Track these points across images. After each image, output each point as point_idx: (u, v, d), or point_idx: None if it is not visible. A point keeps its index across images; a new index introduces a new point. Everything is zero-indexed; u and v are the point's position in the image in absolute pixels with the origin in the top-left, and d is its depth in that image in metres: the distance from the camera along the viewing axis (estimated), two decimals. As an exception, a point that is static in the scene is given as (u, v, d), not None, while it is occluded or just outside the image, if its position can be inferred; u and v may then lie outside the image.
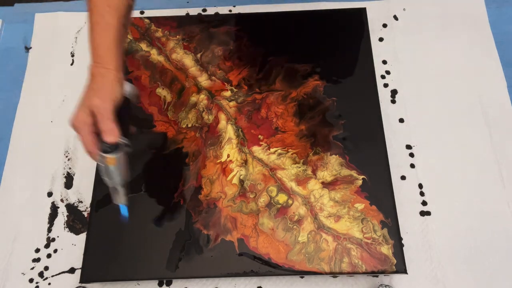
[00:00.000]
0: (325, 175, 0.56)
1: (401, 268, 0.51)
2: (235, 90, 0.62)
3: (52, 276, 0.56)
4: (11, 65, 0.69)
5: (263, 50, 0.64)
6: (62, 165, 0.62)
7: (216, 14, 0.70)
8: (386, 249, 0.52)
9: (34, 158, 0.62)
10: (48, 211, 0.59)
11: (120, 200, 0.47)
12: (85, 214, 0.59)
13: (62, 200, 0.60)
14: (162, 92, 0.62)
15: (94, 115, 0.43)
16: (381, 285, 0.53)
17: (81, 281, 0.52)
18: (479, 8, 0.70)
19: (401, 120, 0.63)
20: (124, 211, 0.49)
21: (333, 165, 0.57)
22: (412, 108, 0.63)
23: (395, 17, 0.70)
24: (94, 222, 0.55)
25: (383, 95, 0.64)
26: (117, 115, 0.43)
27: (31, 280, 0.55)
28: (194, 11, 0.72)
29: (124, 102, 0.45)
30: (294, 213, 0.54)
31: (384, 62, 0.67)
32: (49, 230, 0.58)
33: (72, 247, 0.57)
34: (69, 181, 0.61)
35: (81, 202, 0.59)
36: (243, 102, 0.61)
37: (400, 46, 0.68)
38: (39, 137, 0.64)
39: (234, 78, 0.63)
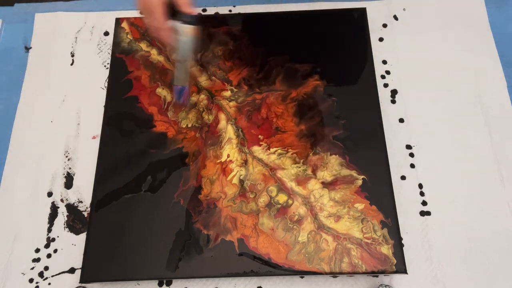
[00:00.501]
0: (325, 175, 0.56)
1: (401, 268, 0.51)
2: (235, 90, 0.62)
3: (52, 276, 0.56)
4: (11, 65, 0.69)
5: (263, 50, 0.64)
6: (62, 165, 0.62)
7: (216, 14, 0.70)
8: (386, 249, 0.52)
9: (34, 158, 0.62)
10: (48, 211, 0.59)
11: (183, 79, 0.52)
12: (85, 214, 0.59)
13: (62, 200, 0.60)
14: (162, 92, 0.62)
15: None
16: (381, 285, 0.53)
17: (81, 281, 0.52)
18: (479, 8, 0.70)
19: (401, 120, 0.63)
20: (179, 95, 0.54)
21: (333, 165, 0.57)
22: (412, 108, 0.63)
23: (395, 17, 0.70)
24: (94, 222, 0.55)
25: (383, 95, 0.64)
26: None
27: (31, 280, 0.56)
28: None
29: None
30: (294, 213, 0.54)
31: (384, 62, 0.67)
32: (49, 230, 0.58)
33: (72, 247, 0.57)
34: (69, 181, 0.61)
35: (81, 202, 0.59)
36: (243, 102, 0.61)
37: (400, 46, 0.68)
38: (39, 137, 0.64)
39: (234, 78, 0.63)
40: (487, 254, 0.55)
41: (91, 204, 0.56)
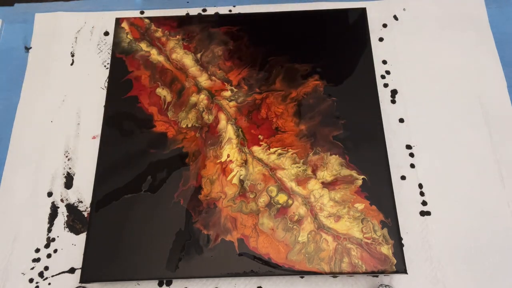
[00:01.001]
0: (325, 175, 0.56)
1: (401, 268, 0.51)
2: (235, 90, 0.62)
3: (52, 276, 0.56)
4: (11, 65, 0.69)
5: (263, 50, 0.64)
6: (62, 165, 0.62)
7: (216, 14, 0.70)
8: (386, 249, 0.52)
9: (34, 158, 0.62)
10: (48, 211, 0.59)
11: None
12: (85, 214, 0.59)
13: (62, 200, 0.60)
14: (162, 92, 0.62)
15: None
16: (381, 285, 0.53)
17: (81, 281, 0.52)
18: (479, 8, 0.70)
19: (401, 120, 0.63)
20: None
21: (333, 165, 0.57)
22: (412, 108, 0.63)
23: (395, 17, 0.70)
24: (94, 222, 0.55)
25: (383, 95, 0.64)
26: None
27: (31, 280, 0.56)
28: (194, 11, 0.72)
29: None
30: (294, 213, 0.54)
31: (384, 62, 0.67)
32: (49, 230, 0.58)
33: (72, 247, 0.57)
34: (69, 181, 0.61)
35: (81, 202, 0.59)
36: (243, 102, 0.61)
37: (400, 46, 0.68)
38: (39, 137, 0.64)
39: (234, 78, 0.63)
40: (487, 254, 0.55)
41: (91, 204, 0.56)
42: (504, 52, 0.67)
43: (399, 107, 0.64)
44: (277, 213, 0.54)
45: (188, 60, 0.65)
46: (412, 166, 0.60)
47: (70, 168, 0.62)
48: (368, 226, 0.53)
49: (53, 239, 0.58)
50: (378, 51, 0.67)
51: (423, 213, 0.57)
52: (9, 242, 0.58)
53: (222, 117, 0.60)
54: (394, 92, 0.65)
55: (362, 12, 0.66)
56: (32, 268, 0.56)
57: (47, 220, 0.59)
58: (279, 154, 0.58)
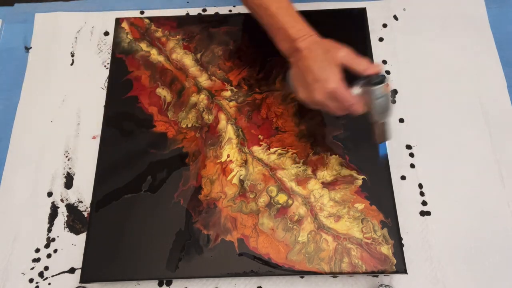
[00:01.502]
0: (325, 175, 0.56)
1: (401, 268, 0.51)
2: (235, 90, 0.62)
3: (52, 276, 0.56)
4: (11, 65, 0.69)
5: (263, 50, 0.64)
6: (62, 165, 0.62)
7: (216, 14, 0.70)
8: (386, 249, 0.52)
9: (34, 158, 0.62)
10: (48, 211, 0.59)
11: (386, 135, 0.50)
12: (85, 214, 0.59)
13: (62, 200, 0.60)
14: (162, 92, 0.62)
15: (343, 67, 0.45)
16: (381, 285, 0.53)
17: (81, 281, 0.52)
18: (479, 8, 0.70)
19: (401, 120, 0.63)
20: (384, 149, 0.54)
21: (333, 165, 0.57)
22: (412, 108, 0.63)
23: (395, 17, 0.70)
24: (94, 222, 0.55)
25: (383, 95, 0.64)
26: None
27: (31, 280, 0.55)
28: (194, 11, 0.72)
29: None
30: (294, 213, 0.54)
31: (384, 62, 0.67)
32: (49, 230, 0.58)
33: (72, 247, 0.57)
34: (69, 181, 0.61)
35: (81, 202, 0.59)
36: (243, 102, 0.61)
37: (400, 46, 0.68)
38: (39, 137, 0.64)
39: (234, 78, 0.63)
40: (487, 254, 0.55)
41: (91, 204, 0.56)
42: (504, 52, 0.67)
43: (399, 107, 0.64)
44: (277, 213, 0.54)
45: (188, 60, 0.65)
46: (412, 166, 0.60)
47: (70, 168, 0.62)
48: (368, 226, 0.53)
49: (53, 239, 0.58)
50: (378, 51, 0.67)
51: (423, 213, 0.57)
52: (9, 242, 0.58)
53: (222, 117, 0.60)
54: (394, 92, 0.65)
55: (362, 12, 0.66)
56: (32, 268, 0.56)
57: (47, 220, 0.59)
58: (279, 154, 0.57)
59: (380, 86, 0.45)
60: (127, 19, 0.68)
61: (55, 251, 0.57)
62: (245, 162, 0.57)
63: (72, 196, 0.60)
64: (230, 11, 0.72)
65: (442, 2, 0.71)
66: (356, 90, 0.47)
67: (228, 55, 0.64)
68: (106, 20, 0.72)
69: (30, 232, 0.58)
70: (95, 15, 0.72)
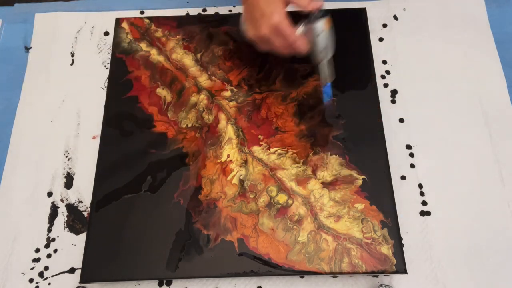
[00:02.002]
0: (325, 175, 0.56)
1: (401, 268, 0.51)
2: (235, 90, 0.62)
3: (52, 276, 0.56)
4: (11, 65, 0.69)
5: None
6: (62, 165, 0.62)
7: (216, 14, 0.70)
8: (386, 249, 0.52)
9: (34, 158, 0.62)
10: (48, 211, 0.59)
11: (329, 75, 0.50)
12: (85, 214, 0.59)
13: (62, 200, 0.60)
14: (162, 92, 0.62)
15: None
16: (381, 285, 0.53)
17: (81, 281, 0.52)
18: (479, 8, 0.70)
19: (401, 120, 0.63)
20: (329, 92, 0.53)
21: (333, 165, 0.57)
22: (412, 108, 0.63)
23: (395, 17, 0.70)
24: (94, 222, 0.55)
25: (383, 95, 0.64)
26: None
27: (31, 280, 0.55)
28: (194, 11, 0.72)
29: None
30: (294, 213, 0.54)
31: (384, 62, 0.67)
32: (49, 230, 0.58)
33: (72, 247, 0.57)
34: (69, 181, 0.61)
35: (81, 202, 0.59)
36: (243, 102, 0.61)
37: (400, 46, 0.68)
38: (39, 137, 0.64)
39: (234, 78, 0.63)
40: (487, 254, 0.55)
41: (91, 204, 0.56)
42: (504, 52, 0.67)
43: (399, 107, 0.64)
44: (277, 213, 0.54)
45: (188, 60, 0.65)
46: (412, 166, 0.60)
47: (70, 168, 0.62)
48: (368, 226, 0.53)
49: (53, 239, 0.58)
50: (378, 51, 0.67)
51: (423, 213, 0.57)
52: (9, 242, 0.58)
53: (222, 117, 0.60)
54: (394, 92, 0.65)
55: (362, 12, 0.66)
56: (32, 268, 0.56)
57: (47, 220, 0.59)
58: (279, 154, 0.57)
59: (319, 21, 0.47)
60: (127, 19, 0.68)
61: (55, 251, 0.57)
62: (245, 162, 0.57)
63: (72, 196, 0.60)
64: (230, 11, 0.72)
65: (442, 2, 0.71)
66: (300, 29, 0.48)
67: (228, 55, 0.65)
68: (106, 20, 0.72)
69: (30, 232, 0.58)
70: (95, 15, 0.72)
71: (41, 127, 0.64)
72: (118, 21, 0.68)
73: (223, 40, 0.66)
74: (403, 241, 0.55)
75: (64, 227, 0.58)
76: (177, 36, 0.66)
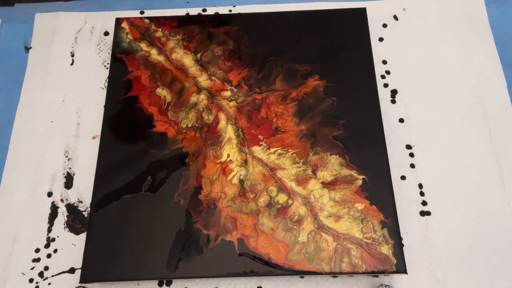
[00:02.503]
0: (325, 175, 0.56)
1: (401, 268, 0.51)
2: (235, 90, 0.62)
3: (52, 276, 0.56)
4: (11, 65, 0.69)
5: (263, 50, 0.64)
6: (62, 165, 0.62)
7: (216, 14, 0.70)
8: (386, 249, 0.52)
9: (34, 158, 0.62)
10: (48, 211, 0.59)
11: None
12: (85, 214, 0.59)
13: (62, 200, 0.60)
14: (162, 92, 0.62)
15: None
16: (381, 285, 0.53)
17: (81, 281, 0.52)
18: (479, 8, 0.70)
19: (401, 120, 0.63)
20: None
21: (333, 165, 0.57)
22: (412, 108, 0.63)
23: (395, 17, 0.70)
24: (94, 222, 0.55)
25: (383, 95, 0.64)
26: None
27: (31, 280, 0.55)
28: (194, 11, 0.72)
29: None
30: (294, 213, 0.54)
31: (384, 62, 0.67)
32: (49, 230, 0.58)
33: (72, 247, 0.57)
34: (69, 181, 0.61)
35: (81, 202, 0.59)
36: (243, 102, 0.61)
37: (400, 46, 0.68)
38: (39, 137, 0.64)
39: (234, 78, 0.63)
40: (487, 254, 0.55)
41: (91, 204, 0.56)
42: (504, 52, 0.67)
43: (399, 107, 0.64)
44: (277, 213, 0.54)
45: (188, 60, 0.65)
46: (412, 166, 0.60)
47: (70, 168, 0.62)
48: (368, 226, 0.53)
49: (53, 239, 0.58)
50: (378, 51, 0.67)
51: (423, 213, 0.57)
52: (9, 242, 0.58)
53: (222, 117, 0.60)
54: (394, 92, 0.65)
55: (362, 12, 0.66)
56: (32, 268, 0.56)
57: (47, 220, 0.59)
58: (279, 154, 0.57)
59: None
60: (127, 19, 0.68)
61: (55, 251, 0.57)
62: (245, 162, 0.57)
63: (72, 196, 0.60)
64: (230, 11, 0.72)
65: (442, 2, 0.71)
66: None
67: (228, 55, 0.65)
68: (106, 20, 0.72)
69: (30, 232, 0.58)
70: (95, 15, 0.72)
71: (41, 127, 0.64)
72: (118, 21, 0.68)
73: (223, 40, 0.66)
74: (403, 241, 0.55)
75: (64, 227, 0.58)
76: (177, 36, 0.66)
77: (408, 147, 0.61)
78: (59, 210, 0.59)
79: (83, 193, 0.60)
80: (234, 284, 0.55)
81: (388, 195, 0.55)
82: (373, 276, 0.54)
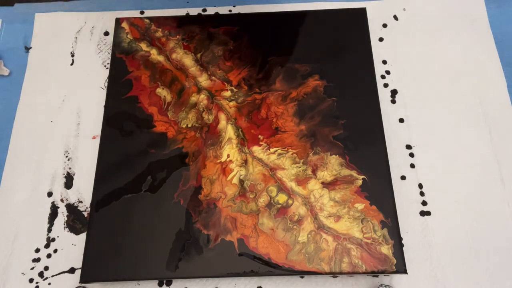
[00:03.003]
0: (325, 175, 0.56)
1: (401, 268, 0.51)
2: (235, 90, 0.62)
3: (52, 276, 0.56)
4: (11, 65, 0.69)
5: (263, 50, 0.64)
6: (62, 165, 0.62)
7: (216, 14, 0.70)
8: (386, 249, 0.52)
9: (34, 158, 0.62)
10: (48, 211, 0.59)
11: None
12: (85, 214, 0.59)
13: (62, 200, 0.60)
14: (162, 92, 0.62)
15: None
16: (381, 285, 0.53)
17: (81, 281, 0.52)
18: (479, 8, 0.70)
19: (401, 120, 0.63)
20: None
21: (333, 165, 0.57)
22: (412, 108, 0.63)
23: (395, 17, 0.70)
24: (94, 222, 0.55)
25: (383, 95, 0.64)
26: None
27: (31, 280, 0.56)
28: (194, 11, 0.72)
29: None
30: (294, 213, 0.54)
31: (384, 62, 0.67)
32: (49, 230, 0.58)
33: (72, 247, 0.57)
34: (69, 181, 0.61)
35: (81, 202, 0.59)
36: (243, 102, 0.61)
37: (400, 46, 0.68)
38: (39, 137, 0.64)
39: (234, 78, 0.63)
40: (487, 254, 0.55)
41: (91, 204, 0.56)
42: (504, 52, 0.67)
43: (399, 107, 0.64)
44: (277, 213, 0.54)
45: (188, 60, 0.65)
46: (412, 166, 0.60)
47: (70, 168, 0.62)
48: (368, 226, 0.53)
49: (53, 239, 0.58)
50: (378, 51, 0.67)
51: (423, 213, 0.57)
52: (9, 242, 0.58)
53: (222, 117, 0.60)
54: (394, 92, 0.65)
55: (362, 12, 0.66)
56: (32, 268, 0.56)
57: (47, 220, 0.59)
58: (279, 154, 0.58)
59: None
60: (127, 19, 0.68)
61: (55, 251, 0.57)
62: (245, 162, 0.57)
63: (72, 196, 0.60)
64: (230, 11, 0.72)
65: (442, 2, 0.71)
66: None
67: (228, 55, 0.65)
68: (106, 20, 0.72)
69: (30, 232, 0.58)
70: (95, 15, 0.72)
71: (41, 127, 0.64)
72: (118, 21, 0.68)
73: (223, 40, 0.66)
74: (403, 241, 0.55)
75: (64, 227, 0.58)
76: (177, 36, 0.66)
77: (408, 147, 0.61)
78: (59, 210, 0.59)
79: (83, 193, 0.60)
80: (234, 284, 0.55)
81: (388, 195, 0.55)
82: (373, 276, 0.54)
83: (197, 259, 0.52)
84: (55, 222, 0.58)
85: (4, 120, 0.65)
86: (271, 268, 0.51)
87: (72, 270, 0.56)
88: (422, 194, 0.58)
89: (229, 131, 0.59)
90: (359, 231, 0.53)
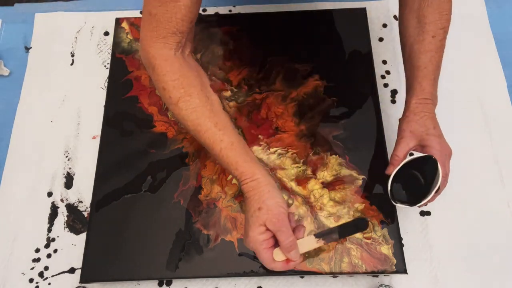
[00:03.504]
0: (325, 175, 0.56)
1: (401, 268, 0.51)
2: (235, 90, 0.62)
3: (52, 276, 0.56)
4: (11, 65, 0.69)
5: (263, 50, 0.64)
6: (62, 165, 0.62)
7: (216, 14, 0.70)
8: (386, 249, 0.52)
9: (34, 158, 0.62)
10: (48, 211, 0.59)
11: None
12: (85, 214, 0.59)
13: (62, 200, 0.60)
14: (162, 92, 0.62)
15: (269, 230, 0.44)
16: (381, 285, 0.53)
17: (81, 281, 0.52)
18: (479, 8, 0.70)
19: (401, 120, 0.63)
20: None
21: (333, 165, 0.57)
22: (412, 108, 0.63)
23: (395, 17, 0.70)
24: (94, 222, 0.55)
25: (383, 95, 0.64)
26: None
27: (31, 280, 0.55)
28: (194, 11, 0.72)
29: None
30: (294, 213, 0.54)
31: (384, 62, 0.67)
32: (49, 230, 0.58)
33: (72, 247, 0.57)
34: (69, 181, 0.61)
35: (81, 202, 0.59)
36: (243, 102, 0.61)
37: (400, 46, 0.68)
38: (39, 137, 0.64)
39: (234, 78, 0.63)
40: (487, 254, 0.55)
41: (91, 204, 0.56)
42: (504, 52, 0.67)
43: (399, 107, 0.64)
44: (277, 213, 0.54)
45: (188, 60, 0.64)
46: (412, 166, 0.60)
47: (70, 168, 0.62)
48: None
49: (53, 239, 0.58)
50: (378, 51, 0.67)
51: (423, 213, 0.57)
52: (9, 242, 0.58)
53: (222, 117, 0.60)
54: (394, 92, 0.65)
55: (362, 12, 0.66)
56: (32, 268, 0.56)
57: (47, 220, 0.59)
58: (279, 154, 0.57)
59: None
60: (127, 19, 0.68)
61: (55, 251, 0.57)
62: (245, 162, 0.57)
63: (72, 196, 0.60)
64: (230, 11, 0.72)
65: (442, 2, 0.71)
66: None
67: (228, 55, 0.64)
68: (106, 20, 0.72)
69: (30, 232, 0.58)
70: (95, 15, 0.72)
71: (41, 127, 0.64)
72: (118, 21, 0.68)
73: (223, 40, 0.66)
74: (403, 241, 0.55)
75: (64, 227, 0.58)
76: (177, 36, 0.66)
77: (408, 147, 0.61)
78: (59, 210, 0.59)
79: (83, 193, 0.60)
80: (234, 284, 0.55)
81: (388, 195, 0.54)
82: (373, 276, 0.54)
83: (197, 259, 0.52)
84: (55, 222, 0.58)
85: (4, 120, 0.65)
86: (271, 268, 0.51)
87: (72, 270, 0.56)
88: (422, 194, 0.58)
89: (229, 131, 0.59)
90: (359, 231, 0.53)
